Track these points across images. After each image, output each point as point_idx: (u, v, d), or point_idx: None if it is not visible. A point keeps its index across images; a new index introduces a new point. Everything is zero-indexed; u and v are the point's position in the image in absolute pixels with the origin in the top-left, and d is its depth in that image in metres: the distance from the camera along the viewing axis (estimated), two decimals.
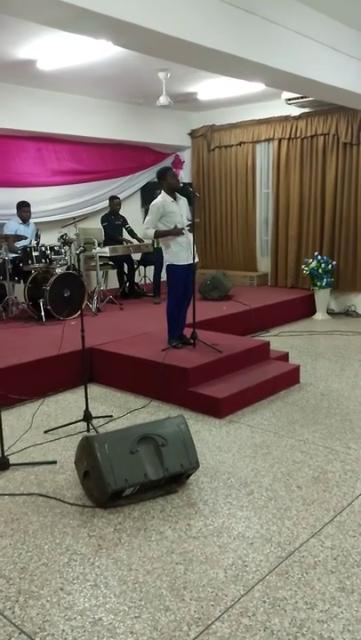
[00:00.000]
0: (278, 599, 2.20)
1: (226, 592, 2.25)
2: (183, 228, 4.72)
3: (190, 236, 4.82)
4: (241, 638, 2.00)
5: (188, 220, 4.83)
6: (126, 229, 7.72)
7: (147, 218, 4.80)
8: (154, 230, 4.74)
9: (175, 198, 4.77)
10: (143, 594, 2.25)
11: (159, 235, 4.76)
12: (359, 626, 2.05)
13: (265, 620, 2.09)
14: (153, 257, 7.45)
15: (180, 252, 4.79)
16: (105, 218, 7.68)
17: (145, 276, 8.38)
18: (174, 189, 4.76)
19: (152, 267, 7.60)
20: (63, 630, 2.06)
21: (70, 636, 2.03)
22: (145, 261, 8.06)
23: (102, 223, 7.65)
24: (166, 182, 4.76)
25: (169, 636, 2.02)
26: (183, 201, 4.85)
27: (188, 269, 4.86)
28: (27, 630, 2.07)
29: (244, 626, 2.06)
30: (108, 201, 7.90)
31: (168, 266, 4.87)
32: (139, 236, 6.53)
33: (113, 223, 7.65)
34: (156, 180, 5.23)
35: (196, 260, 4.90)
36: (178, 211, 4.75)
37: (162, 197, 4.76)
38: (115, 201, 7.75)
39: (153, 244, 7.16)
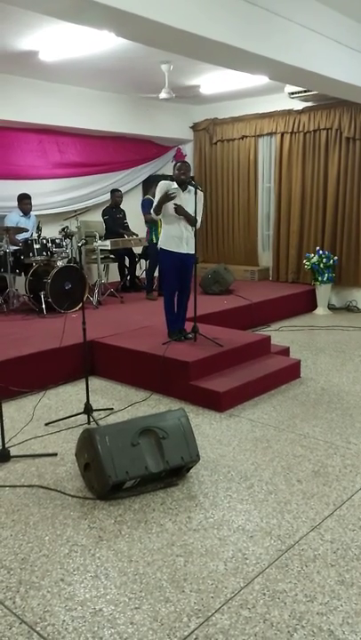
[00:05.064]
0: (278, 592, 2.21)
1: (226, 584, 2.26)
2: (173, 195, 4.60)
3: (190, 229, 4.76)
4: (241, 630, 2.01)
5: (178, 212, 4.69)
6: (123, 224, 7.71)
7: (155, 197, 4.78)
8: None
9: (182, 190, 4.70)
10: (143, 585, 2.26)
11: (155, 208, 4.70)
12: (358, 618, 2.06)
13: (265, 613, 2.10)
14: (148, 251, 7.42)
15: (171, 239, 4.77)
16: (106, 211, 7.68)
17: (146, 270, 8.37)
18: (177, 181, 4.73)
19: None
20: (64, 620, 2.07)
21: (71, 626, 2.04)
22: (146, 255, 8.06)
23: (103, 216, 7.65)
24: (174, 173, 4.78)
25: (169, 627, 2.03)
26: (191, 195, 4.68)
27: (182, 260, 4.82)
28: (27, 620, 2.08)
29: (243, 618, 2.07)
30: (109, 194, 7.90)
31: (160, 250, 4.90)
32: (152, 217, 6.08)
33: (114, 216, 7.64)
34: (158, 172, 5.21)
35: (192, 252, 4.83)
36: (179, 198, 4.67)
37: (169, 180, 4.78)
38: (116, 194, 7.74)
39: (149, 239, 7.14)
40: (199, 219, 4.76)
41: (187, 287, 4.94)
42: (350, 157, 7.49)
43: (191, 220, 4.71)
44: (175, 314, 5.02)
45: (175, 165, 4.78)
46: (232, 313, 6.41)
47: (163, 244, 4.86)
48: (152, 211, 4.81)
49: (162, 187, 4.73)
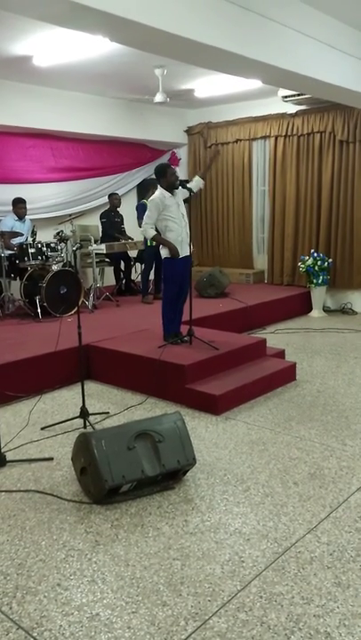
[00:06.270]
0: (275, 594, 2.22)
1: (223, 587, 2.26)
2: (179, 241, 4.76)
3: (187, 228, 4.81)
4: (238, 633, 2.01)
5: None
6: (120, 229, 7.72)
7: (146, 214, 4.75)
8: (154, 232, 4.72)
9: (173, 193, 4.76)
10: (140, 589, 2.26)
11: (159, 240, 4.76)
12: (355, 620, 2.07)
13: (262, 615, 2.10)
14: (144, 255, 7.42)
15: (178, 245, 4.77)
16: (104, 214, 7.69)
17: (142, 273, 8.37)
18: (173, 187, 4.75)
19: None
20: (61, 626, 2.06)
21: (68, 631, 2.04)
22: (141, 259, 8.06)
23: (101, 219, 7.66)
24: (166, 180, 4.73)
25: (166, 630, 2.03)
26: (181, 192, 4.80)
27: (186, 263, 4.85)
28: (24, 626, 2.07)
29: (240, 621, 2.07)
30: (105, 198, 7.94)
31: (165, 259, 4.85)
32: (140, 232, 6.29)
33: (112, 220, 7.66)
34: (152, 176, 5.23)
35: (192, 249, 4.89)
36: (175, 203, 4.74)
37: (160, 192, 4.73)
38: (114, 196, 7.77)
39: (145, 243, 7.13)
40: (196, 184, 4.90)
41: (186, 290, 4.95)
42: (344, 160, 7.53)
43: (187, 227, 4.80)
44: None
45: (168, 171, 4.76)
46: (227, 316, 6.42)
47: (169, 252, 4.80)
48: (151, 236, 4.77)
49: (157, 204, 4.69)
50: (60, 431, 3.86)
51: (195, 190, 4.86)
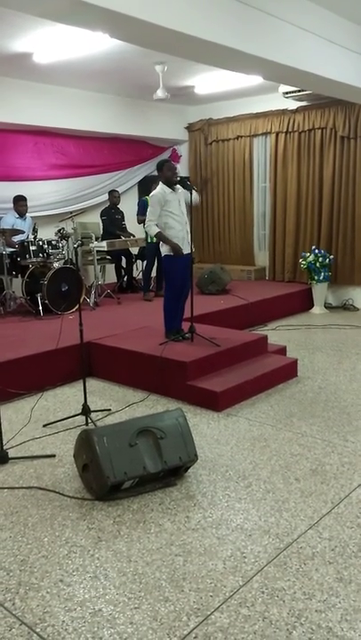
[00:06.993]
0: (277, 590, 2.22)
1: (225, 583, 2.27)
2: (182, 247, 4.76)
3: (188, 226, 4.82)
4: (240, 628, 2.02)
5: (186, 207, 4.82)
6: (121, 226, 7.72)
7: (149, 209, 4.75)
8: (158, 230, 4.71)
9: (174, 189, 4.76)
10: (143, 585, 2.27)
11: (162, 238, 4.74)
12: (357, 615, 2.07)
13: (264, 611, 2.11)
14: (145, 251, 7.41)
15: (179, 243, 4.77)
16: (105, 211, 7.70)
17: (143, 271, 8.37)
18: (170, 182, 4.75)
19: None
20: (63, 621, 2.07)
21: (70, 626, 2.05)
22: (143, 255, 8.06)
23: (102, 217, 7.67)
24: (163, 174, 4.75)
25: (168, 626, 2.04)
26: (183, 191, 4.79)
27: (187, 260, 4.86)
28: (27, 621, 2.08)
29: (242, 616, 2.08)
30: (106, 195, 7.94)
31: (166, 257, 4.85)
32: (144, 228, 6.29)
33: (112, 217, 7.66)
34: (153, 173, 5.24)
35: (188, 250, 4.89)
36: (176, 199, 4.74)
37: (160, 188, 4.73)
38: (114, 194, 7.78)
39: (146, 239, 7.13)
40: (196, 195, 4.81)
41: (187, 287, 4.95)
42: (345, 156, 7.52)
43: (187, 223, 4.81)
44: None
45: (165, 165, 4.77)
46: (229, 313, 6.42)
47: (169, 250, 4.79)
48: (154, 233, 4.76)
49: (159, 199, 4.68)
50: (61, 428, 3.87)
51: (194, 202, 4.78)
